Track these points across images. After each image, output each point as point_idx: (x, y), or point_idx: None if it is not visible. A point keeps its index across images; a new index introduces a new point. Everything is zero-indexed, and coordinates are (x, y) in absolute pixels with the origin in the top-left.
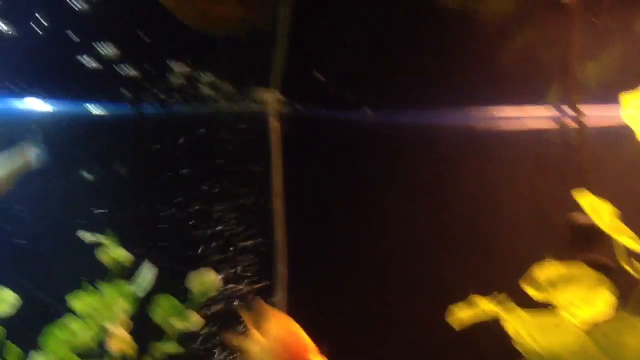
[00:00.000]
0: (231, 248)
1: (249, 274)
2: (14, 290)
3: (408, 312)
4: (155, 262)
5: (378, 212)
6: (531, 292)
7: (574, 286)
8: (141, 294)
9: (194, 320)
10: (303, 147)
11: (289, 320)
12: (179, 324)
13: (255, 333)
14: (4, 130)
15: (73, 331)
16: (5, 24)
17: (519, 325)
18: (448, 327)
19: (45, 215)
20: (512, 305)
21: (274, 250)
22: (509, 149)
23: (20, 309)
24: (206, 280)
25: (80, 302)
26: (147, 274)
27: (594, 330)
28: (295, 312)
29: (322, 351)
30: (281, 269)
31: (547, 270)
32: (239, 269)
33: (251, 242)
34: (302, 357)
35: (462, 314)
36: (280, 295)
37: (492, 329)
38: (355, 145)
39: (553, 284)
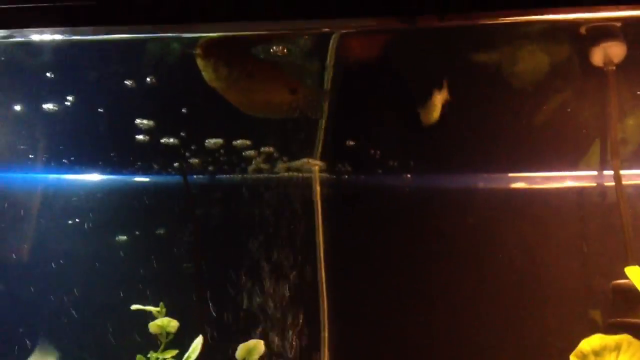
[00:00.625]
0: (277, 315)
1: (294, 341)
2: None
3: None
4: (201, 331)
5: (420, 277)
6: None
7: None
8: None
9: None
10: (346, 212)
11: None
12: None
13: None
14: (55, 201)
15: None
16: (56, 100)
17: None
18: None
19: (96, 286)
20: None
21: (319, 318)
22: (549, 211)
23: None
24: (254, 350)
25: None
26: (198, 344)
27: None
28: None
29: None
30: (325, 334)
31: (593, 342)
32: (286, 336)
33: (296, 308)
34: None
35: None
36: None
37: None
38: (396, 210)
39: (600, 354)
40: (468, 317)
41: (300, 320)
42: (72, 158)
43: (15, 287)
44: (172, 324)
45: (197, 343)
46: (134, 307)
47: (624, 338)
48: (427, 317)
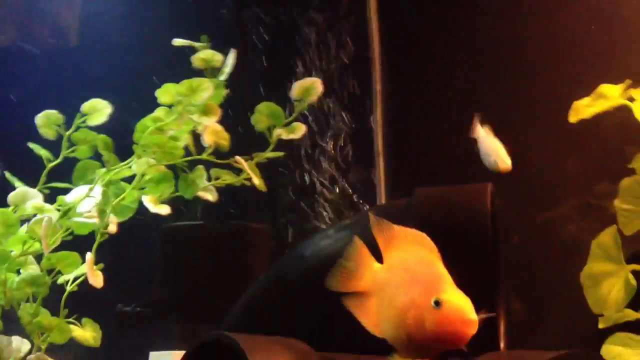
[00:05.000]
0: None
1: None
2: None
3: None
4: None
5: None
6: None
7: None
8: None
9: (297, 129)
10: None
11: (422, 245)
12: (283, 133)
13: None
14: None
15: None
16: None
17: None
18: None
19: None
20: None
21: None
22: None
23: None
24: (311, 90)
25: (167, 93)
26: (230, 59)
27: None
28: None
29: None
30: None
31: None
32: None
33: None
34: (433, 289)
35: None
36: None
37: None
38: None
39: None
40: None
41: None
42: None
43: None
44: (217, 57)
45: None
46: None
47: None
48: None
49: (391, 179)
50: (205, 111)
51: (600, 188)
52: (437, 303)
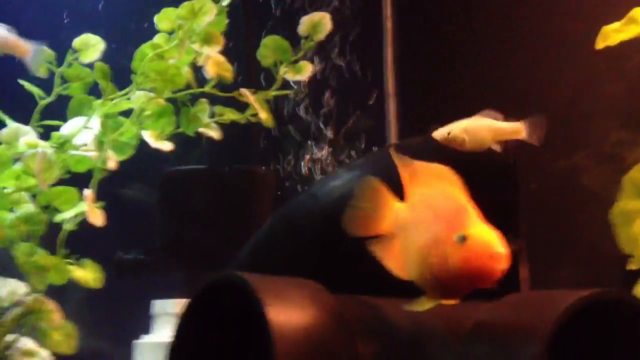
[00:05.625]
0: None
1: None
2: None
3: None
4: None
5: None
6: None
7: None
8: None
9: (304, 68)
10: None
11: (446, 179)
12: (289, 72)
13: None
14: None
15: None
16: None
17: None
18: None
19: None
20: None
21: None
22: None
23: None
24: (319, 26)
25: (166, 19)
26: None
27: None
28: None
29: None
30: None
31: None
32: None
33: None
34: (457, 224)
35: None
36: None
37: None
38: None
39: None
40: None
41: None
42: None
43: None
44: None
45: None
46: None
47: None
48: None
49: (402, 120)
50: (207, 39)
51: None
52: (462, 238)
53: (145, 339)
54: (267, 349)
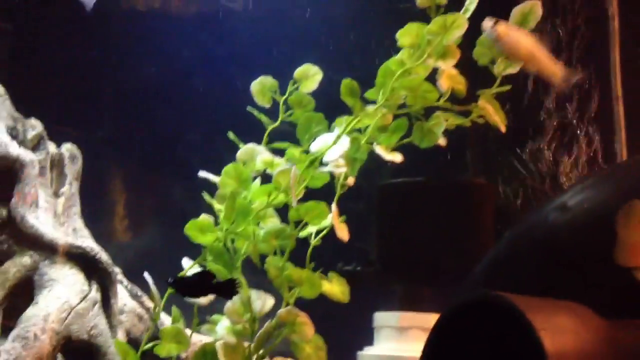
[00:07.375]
0: None
1: None
2: None
3: None
4: None
5: None
6: None
7: None
8: None
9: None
10: None
11: None
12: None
13: None
14: None
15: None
16: None
17: None
18: None
19: None
20: None
21: None
22: None
23: None
24: None
25: (410, 34)
26: None
27: None
28: None
29: None
30: None
31: None
32: None
33: None
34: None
35: None
36: None
37: None
38: None
39: None
40: None
41: None
42: None
43: None
44: None
45: None
46: None
47: None
48: None
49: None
50: (444, 53)
51: None
52: None
53: (369, 351)
54: None
